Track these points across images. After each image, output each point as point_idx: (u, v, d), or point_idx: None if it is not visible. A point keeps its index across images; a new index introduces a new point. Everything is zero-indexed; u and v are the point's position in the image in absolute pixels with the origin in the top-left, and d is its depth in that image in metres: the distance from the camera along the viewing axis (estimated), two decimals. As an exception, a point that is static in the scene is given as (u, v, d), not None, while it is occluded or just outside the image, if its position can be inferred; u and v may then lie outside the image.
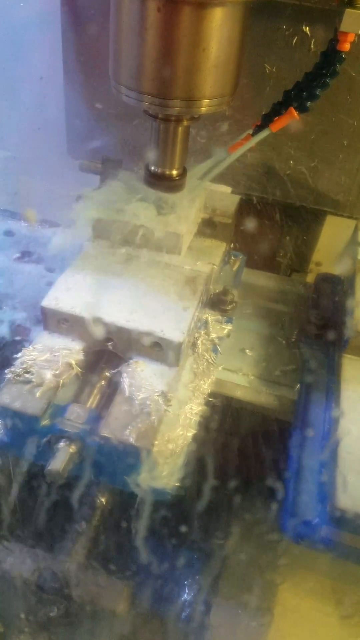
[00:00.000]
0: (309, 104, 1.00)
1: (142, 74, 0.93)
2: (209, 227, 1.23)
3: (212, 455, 1.00)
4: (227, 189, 1.26)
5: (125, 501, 0.97)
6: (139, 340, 0.94)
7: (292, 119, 1.01)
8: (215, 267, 1.15)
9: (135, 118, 1.39)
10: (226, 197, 1.27)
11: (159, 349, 0.95)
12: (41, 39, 1.60)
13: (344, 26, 0.91)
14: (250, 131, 1.08)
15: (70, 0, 1.31)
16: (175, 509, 0.98)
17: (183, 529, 1.06)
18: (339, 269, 1.28)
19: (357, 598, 1.04)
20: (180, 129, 1.03)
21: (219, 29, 0.87)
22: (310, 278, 1.63)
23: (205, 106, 0.94)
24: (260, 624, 1.04)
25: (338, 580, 1.03)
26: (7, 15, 1.67)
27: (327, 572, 1.02)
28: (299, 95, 1.01)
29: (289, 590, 1.04)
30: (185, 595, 1.11)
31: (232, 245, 1.30)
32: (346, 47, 0.94)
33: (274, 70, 1.27)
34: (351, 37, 0.93)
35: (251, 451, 1.02)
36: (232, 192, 1.30)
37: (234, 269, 1.31)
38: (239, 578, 1.08)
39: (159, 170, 1.10)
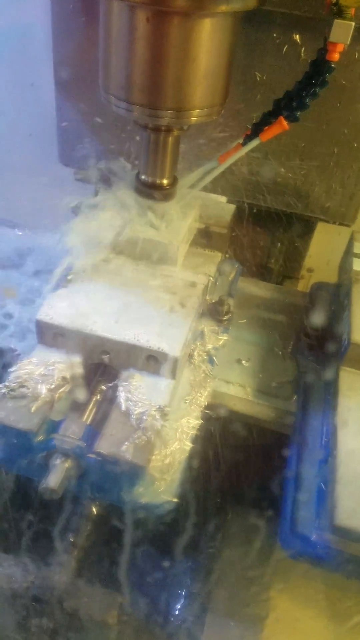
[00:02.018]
0: (298, 113, 1.01)
1: (132, 85, 0.93)
2: (204, 237, 1.22)
3: (209, 469, 0.99)
4: (223, 199, 1.26)
5: (121, 515, 0.96)
6: (135, 354, 0.93)
7: (282, 129, 1.01)
8: (211, 277, 1.14)
9: (127, 126, 1.38)
10: (221, 207, 1.26)
11: (155, 363, 0.94)
12: (32, 45, 1.60)
13: (333, 36, 0.91)
14: (241, 140, 1.08)
15: (60, 7, 1.30)
16: (171, 524, 0.97)
17: (178, 542, 1.05)
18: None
19: (350, 604, 1.03)
20: (170, 138, 1.03)
21: (208, 39, 0.87)
22: (302, 284, 1.63)
23: (195, 116, 0.94)
24: (253, 633, 1.03)
25: (332, 587, 1.02)
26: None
27: (320, 579, 1.01)
28: (289, 104, 1.01)
29: (282, 598, 1.03)
30: (178, 606, 1.10)
31: (226, 254, 1.30)
32: (335, 57, 0.94)
33: (264, 78, 1.27)
34: (340, 48, 0.93)
35: (248, 465, 1.01)
36: (227, 202, 1.29)
37: (230, 278, 1.30)
38: (233, 589, 1.07)
39: (150, 179, 1.10)
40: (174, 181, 1.11)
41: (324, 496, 0.85)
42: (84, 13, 1.29)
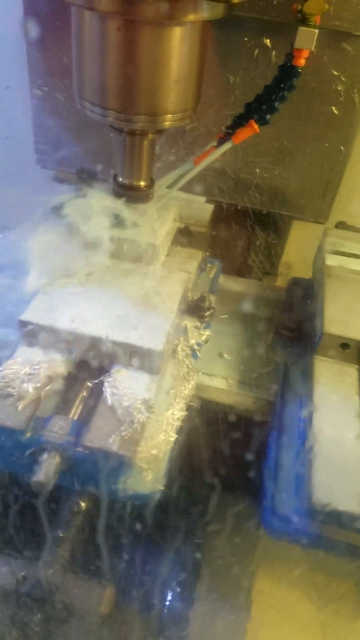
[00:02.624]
0: (268, 116, 1.05)
1: (106, 91, 0.96)
2: (184, 236, 1.26)
3: (194, 458, 1.02)
4: (201, 199, 1.30)
5: (109, 505, 0.99)
6: (119, 350, 0.97)
7: (253, 132, 1.05)
8: (192, 275, 1.18)
9: (103, 128, 1.42)
10: (200, 207, 1.30)
11: (139, 358, 0.97)
12: (6, 49, 1.61)
13: (298, 43, 0.95)
14: (215, 143, 1.12)
15: (33, 11, 1.33)
16: (158, 511, 1.00)
17: (165, 528, 1.08)
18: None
19: (334, 587, 1.07)
20: (145, 142, 1.07)
21: (178, 47, 0.91)
22: (280, 280, 1.68)
23: (168, 121, 0.98)
24: (240, 615, 1.06)
25: (316, 571, 1.06)
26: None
27: (305, 562, 1.05)
28: (259, 108, 1.05)
29: (267, 581, 1.07)
30: (166, 592, 1.12)
31: (207, 253, 1.34)
32: (301, 62, 0.98)
33: (237, 81, 1.31)
34: (306, 53, 0.97)
35: (231, 452, 1.05)
36: (206, 201, 1.33)
37: (210, 275, 1.34)
38: (219, 572, 1.11)
39: (127, 182, 1.13)
40: (150, 183, 1.15)
41: (302, 478, 0.89)
42: (57, 17, 1.32)
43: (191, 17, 0.84)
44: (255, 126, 1.04)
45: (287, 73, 1.01)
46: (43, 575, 1.05)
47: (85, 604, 1.04)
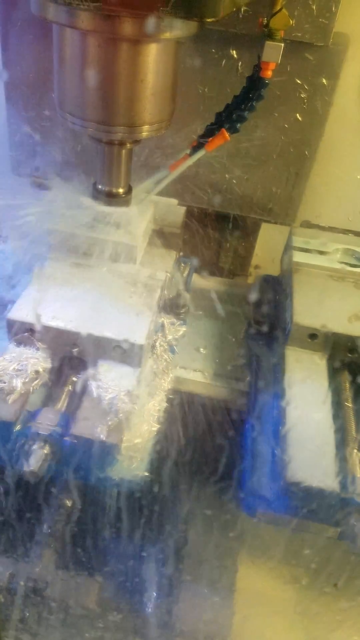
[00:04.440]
0: (238, 125, 1.11)
1: (86, 103, 1.00)
2: (159, 237, 1.31)
3: (175, 445, 1.09)
4: (174, 201, 1.35)
5: (91, 492, 1.04)
6: (103, 345, 1.02)
7: (224, 140, 1.11)
8: (168, 274, 1.24)
9: (80, 138, 1.46)
10: (173, 209, 1.36)
11: (122, 352, 1.02)
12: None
13: (265, 56, 1.02)
14: (188, 151, 1.17)
15: (8, 24, 1.36)
16: (142, 498, 1.06)
17: (147, 516, 1.13)
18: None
19: (312, 576, 1.15)
20: (123, 151, 1.11)
21: (155, 62, 0.96)
22: (250, 281, 1.75)
23: (145, 131, 1.03)
24: (225, 604, 1.13)
25: (294, 564, 1.14)
26: None
27: (283, 550, 1.12)
28: (230, 117, 1.11)
29: (248, 568, 1.14)
30: (152, 582, 1.17)
31: (180, 253, 1.40)
32: (268, 74, 1.05)
33: (206, 91, 1.37)
34: (272, 66, 1.03)
35: (209, 439, 1.11)
36: (178, 204, 1.39)
37: (185, 274, 1.40)
38: (203, 561, 1.17)
39: (106, 189, 1.18)
40: (129, 190, 1.20)
41: (277, 460, 0.96)
42: (33, 29, 1.35)
43: (167, 35, 0.91)
44: (227, 134, 1.10)
45: (255, 84, 1.07)
46: (31, 571, 1.09)
47: (72, 598, 1.08)
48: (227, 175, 1.46)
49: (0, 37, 1.39)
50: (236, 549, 1.16)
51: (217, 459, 1.10)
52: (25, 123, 1.50)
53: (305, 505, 0.91)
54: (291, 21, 1.00)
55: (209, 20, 0.91)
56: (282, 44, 1.01)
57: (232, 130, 1.11)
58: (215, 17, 0.82)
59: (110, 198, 1.18)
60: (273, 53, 1.01)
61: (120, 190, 1.18)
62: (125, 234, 1.18)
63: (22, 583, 1.08)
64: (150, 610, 1.14)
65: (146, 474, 0.99)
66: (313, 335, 1.11)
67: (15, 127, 1.53)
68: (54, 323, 1.02)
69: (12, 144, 1.57)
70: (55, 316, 1.03)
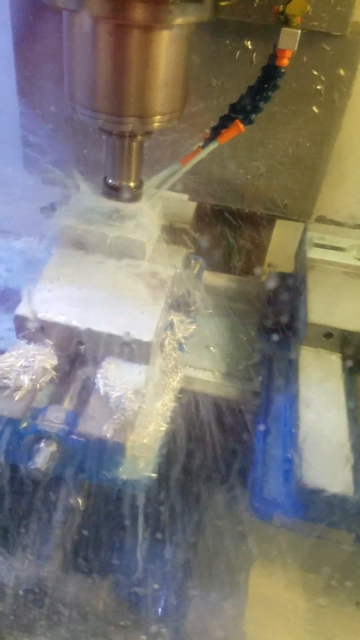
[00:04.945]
0: (253, 116, 1.08)
1: (96, 94, 0.98)
2: (169, 233, 1.29)
3: (183, 447, 1.06)
4: (184, 197, 1.33)
5: (100, 494, 1.02)
6: (110, 342, 0.99)
7: (238, 131, 1.08)
8: (177, 270, 1.21)
9: (91, 132, 1.44)
10: (184, 204, 1.33)
11: (130, 350, 1.00)
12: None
13: (281, 44, 0.98)
14: (201, 144, 1.15)
15: (20, 17, 1.34)
16: (149, 499, 1.03)
17: (155, 518, 1.11)
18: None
19: (323, 583, 1.11)
20: (134, 143, 1.09)
21: (167, 49, 0.94)
22: (264, 278, 1.71)
23: (157, 122, 1.01)
24: (236, 611, 1.10)
25: (306, 570, 1.10)
26: None
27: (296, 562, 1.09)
28: (244, 108, 1.08)
29: (260, 578, 1.10)
30: (161, 586, 1.15)
31: (190, 249, 1.37)
32: (284, 62, 1.02)
33: (220, 83, 1.34)
34: (289, 54, 1.00)
35: (219, 441, 1.08)
36: (189, 200, 1.36)
37: (195, 271, 1.37)
38: (213, 565, 1.14)
39: (116, 183, 1.16)
40: (139, 184, 1.17)
41: (290, 463, 0.93)
42: (45, 23, 1.33)
43: (179, 20, 0.88)
44: (241, 126, 1.07)
45: (270, 73, 1.04)
46: (39, 572, 1.07)
47: (80, 599, 1.06)
48: (240, 170, 1.43)
49: (13, 32, 1.38)
50: (248, 554, 1.13)
51: (228, 462, 1.07)
52: (37, 119, 1.49)
53: (320, 510, 0.88)
54: (308, 7, 0.97)
55: (223, 3, 0.89)
56: (299, 31, 0.98)
57: (247, 121, 1.08)
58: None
59: (120, 193, 1.16)
60: (289, 40, 0.98)
61: (131, 185, 1.16)
62: (134, 229, 1.16)
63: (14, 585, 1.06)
64: (159, 615, 1.12)
65: (153, 475, 0.96)
66: (328, 335, 1.07)
67: (27, 123, 1.52)
68: (60, 319, 1.00)
69: (24, 140, 1.55)
70: (62, 312, 1.01)
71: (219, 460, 1.10)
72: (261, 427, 1.03)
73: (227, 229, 1.58)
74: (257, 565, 1.14)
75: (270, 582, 1.13)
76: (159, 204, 1.25)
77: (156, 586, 1.12)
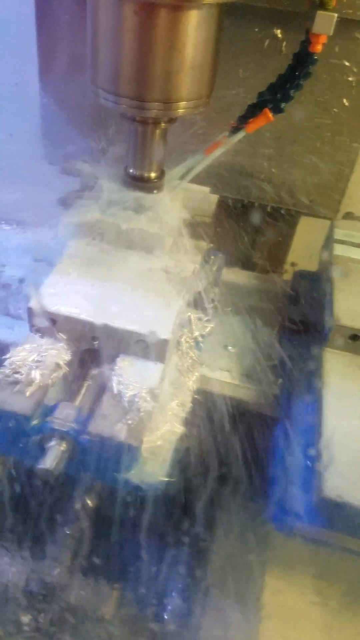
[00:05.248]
0: (283, 105, 1.03)
1: (120, 77, 0.94)
2: (189, 227, 1.25)
3: (198, 451, 1.02)
4: (206, 189, 1.28)
5: (113, 498, 0.98)
6: (125, 339, 0.96)
7: (267, 120, 1.04)
8: (196, 266, 1.17)
9: (113, 122, 1.40)
10: (205, 197, 1.29)
11: (145, 347, 0.96)
12: (15, 44, 1.60)
13: (316, 28, 0.94)
14: (226, 133, 1.10)
15: (44, 4, 1.31)
16: (163, 505, 0.99)
17: (170, 524, 1.07)
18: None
19: (340, 592, 1.06)
20: (157, 131, 1.05)
21: (195, 30, 0.89)
22: (286, 278, 1.67)
23: (182, 108, 0.96)
24: (250, 619, 1.05)
25: (322, 578, 1.06)
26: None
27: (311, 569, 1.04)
28: (274, 96, 1.03)
29: (278, 586, 1.06)
30: (174, 593, 1.11)
31: (211, 244, 1.33)
32: (318, 48, 0.97)
33: (246, 72, 1.30)
34: (323, 39, 0.96)
35: (237, 446, 1.04)
36: (211, 193, 1.32)
37: (214, 268, 1.33)
38: (228, 573, 1.10)
39: (138, 173, 1.12)
40: (161, 174, 1.13)
41: (311, 472, 0.88)
42: (68, 10, 1.30)
43: (210, -1, 0.83)
44: (270, 115, 1.03)
45: (302, 60, 1.00)
46: (47, 575, 1.04)
47: (89, 605, 1.03)
48: (265, 164, 1.38)
49: (36, 20, 1.34)
50: (263, 562, 1.08)
51: (245, 467, 1.02)
52: (58, 108, 1.46)
53: (343, 522, 0.83)
54: (346, -13, 0.92)
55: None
56: (335, 14, 0.93)
57: (276, 110, 1.03)
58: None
59: (142, 183, 1.13)
60: (325, 24, 0.93)
61: (152, 175, 1.12)
62: (153, 222, 1.12)
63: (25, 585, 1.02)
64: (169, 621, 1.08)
65: (167, 479, 0.92)
66: (355, 337, 1.02)
67: (47, 112, 1.49)
68: (74, 313, 0.96)
69: (44, 131, 1.52)
70: (77, 306, 0.97)
71: (235, 464, 1.05)
72: (281, 433, 0.98)
73: (249, 224, 1.54)
74: (273, 574, 1.09)
75: (287, 590, 1.09)
76: (180, 196, 1.21)
77: (168, 593, 1.08)
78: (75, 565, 1.06)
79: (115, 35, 0.91)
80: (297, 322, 1.18)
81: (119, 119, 1.06)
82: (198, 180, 1.22)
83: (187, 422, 1.00)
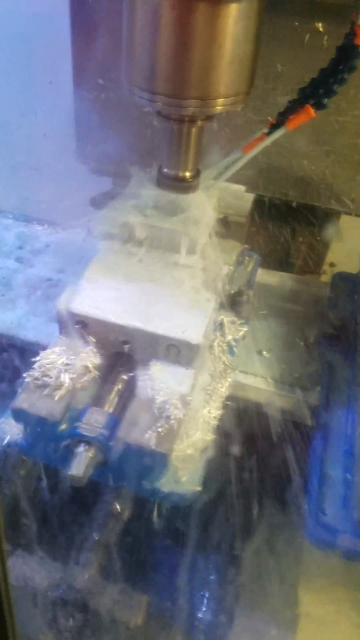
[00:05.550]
0: (326, 100, 0.99)
1: (156, 74, 0.92)
2: (223, 226, 1.21)
3: (231, 460, 0.98)
4: (241, 188, 1.24)
5: (144, 507, 0.96)
6: (156, 343, 0.93)
7: (308, 117, 0.99)
8: (230, 267, 1.13)
9: (147, 121, 1.38)
10: (240, 196, 1.25)
11: (176, 352, 0.94)
12: (50, 43, 1.60)
13: (364, 19, 0.89)
14: (266, 130, 1.07)
15: (81, 3, 1.30)
16: (194, 515, 0.96)
17: (203, 535, 1.04)
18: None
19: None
20: (194, 129, 1.02)
21: (234, 25, 0.85)
22: (324, 279, 1.62)
23: (220, 105, 0.93)
24: (284, 634, 1.02)
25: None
26: (15, 19, 1.67)
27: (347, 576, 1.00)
28: (315, 92, 0.99)
29: (312, 600, 1.02)
30: (205, 605, 1.09)
31: (245, 245, 1.29)
32: (365, 41, 0.93)
33: (285, 67, 1.26)
34: (370, 31, 0.91)
35: (272, 456, 1.00)
36: (246, 191, 1.28)
37: (249, 269, 1.29)
38: (261, 586, 1.06)
39: (172, 172, 1.09)
40: (197, 174, 1.10)
41: (350, 487, 0.84)
42: (104, 7, 1.28)
43: (251, -9, 0.80)
44: (312, 111, 0.98)
45: (346, 53, 0.95)
46: (77, 580, 1.02)
47: (118, 613, 1.01)
48: (304, 161, 1.33)
49: (71, 18, 1.34)
50: (297, 575, 1.04)
51: (279, 478, 0.98)
52: (91, 107, 1.45)
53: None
54: None
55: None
56: (384, 5, 0.88)
57: (319, 106, 0.99)
58: None
59: (176, 183, 1.10)
60: (373, 15, 0.88)
61: (187, 174, 1.09)
62: (186, 222, 1.09)
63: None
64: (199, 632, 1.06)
65: (198, 488, 0.89)
66: None
67: (81, 112, 1.48)
68: (104, 316, 0.94)
69: (77, 130, 1.51)
70: (107, 309, 0.95)
71: (269, 475, 1.02)
72: (318, 444, 0.94)
73: (286, 223, 1.50)
74: (307, 587, 1.05)
75: (322, 602, 1.04)
76: (215, 196, 1.18)
77: (198, 605, 1.06)
78: (103, 571, 1.04)
79: (152, 31, 0.88)
80: (335, 326, 1.14)
81: (154, 117, 1.03)
82: (233, 176, 1.18)
83: (219, 430, 0.97)
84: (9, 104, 1.82)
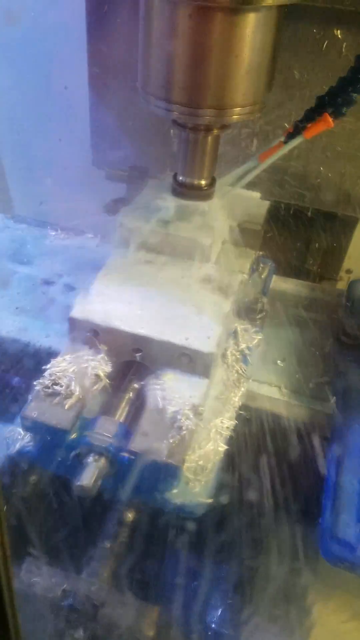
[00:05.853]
0: (344, 109, 0.98)
1: (172, 83, 0.91)
2: (238, 234, 1.20)
3: (244, 472, 0.97)
4: (257, 195, 1.24)
5: (155, 518, 0.95)
6: (168, 352, 0.92)
7: (327, 126, 0.98)
8: (244, 275, 1.12)
9: (162, 128, 1.38)
10: (255, 203, 1.24)
11: (189, 361, 0.93)
12: (66, 49, 1.60)
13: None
14: (283, 138, 1.06)
15: (96, 9, 1.30)
16: (206, 527, 0.95)
17: (214, 548, 1.03)
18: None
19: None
20: (209, 138, 1.02)
21: (252, 34, 0.85)
22: (340, 286, 1.60)
23: (236, 114, 0.92)
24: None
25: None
26: (32, 24, 1.68)
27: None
28: (334, 100, 0.98)
29: (326, 614, 1.00)
30: (217, 617, 1.07)
31: (260, 252, 1.28)
32: (385, 49, 0.91)
33: (303, 75, 1.25)
34: (390, 39, 0.90)
35: (285, 468, 0.99)
36: (261, 198, 1.27)
37: (263, 276, 1.28)
38: (274, 601, 1.05)
39: (187, 180, 1.09)
40: (212, 182, 1.10)
41: (364, 502, 0.82)
42: (119, 14, 1.28)
43: (268, 1, 0.79)
44: (330, 120, 0.97)
45: (366, 63, 0.94)
46: (86, 590, 1.01)
47: (129, 623, 1.00)
48: (321, 167, 1.32)
49: (87, 25, 1.33)
50: (310, 587, 1.02)
51: (292, 490, 0.97)
52: (106, 114, 1.45)
53: None
54: None
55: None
56: None
57: (337, 114, 0.98)
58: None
59: (191, 191, 1.09)
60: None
61: (203, 182, 1.09)
62: (200, 230, 1.08)
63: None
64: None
65: (209, 500, 0.88)
66: None
67: (96, 119, 1.48)
68: (116, 325, 0.93)
69: (92, 136, 1.51)
70: (119, 317, 0.94)
71: (283, 487, 1.00)
72: (332, 455, 0.92)
73: (302, 230, 1.48)
74: (319, 600, 1.03)
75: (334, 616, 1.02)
76: (230, 203, 1.17)
77: (210, 616, 1.04)
78: (114, 581, 1.03)
79: (168, 39, 0.88)
80: (352, 335, 1.12)
81: (169, 125, 1.03)
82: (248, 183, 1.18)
83: (232, 441, 0.96)
84: (25, 109, 1.83)
